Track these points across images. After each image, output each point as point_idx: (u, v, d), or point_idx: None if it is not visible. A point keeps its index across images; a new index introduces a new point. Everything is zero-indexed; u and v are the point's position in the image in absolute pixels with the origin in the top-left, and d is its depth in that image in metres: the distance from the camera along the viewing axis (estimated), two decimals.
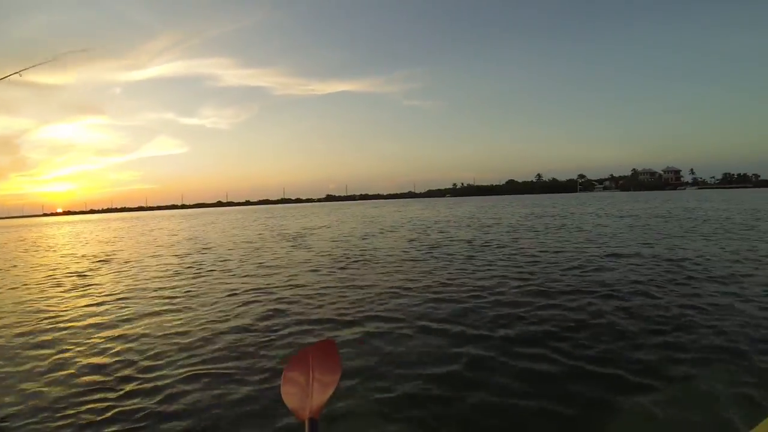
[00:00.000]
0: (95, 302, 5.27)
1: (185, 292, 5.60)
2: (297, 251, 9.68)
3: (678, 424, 2.11)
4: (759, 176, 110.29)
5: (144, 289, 5.92)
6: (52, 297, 5.74)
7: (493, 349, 3.11)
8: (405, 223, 17.88)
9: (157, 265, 8.54)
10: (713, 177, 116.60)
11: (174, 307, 4.80)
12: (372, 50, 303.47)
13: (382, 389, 2.56)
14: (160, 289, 5.91)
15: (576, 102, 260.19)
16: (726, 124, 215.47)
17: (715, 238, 8.75)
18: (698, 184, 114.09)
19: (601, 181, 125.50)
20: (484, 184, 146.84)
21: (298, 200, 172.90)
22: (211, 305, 4.79)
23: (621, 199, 43.13)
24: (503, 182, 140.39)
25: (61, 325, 4.27)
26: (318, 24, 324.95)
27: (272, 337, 3.57)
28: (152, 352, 3.33)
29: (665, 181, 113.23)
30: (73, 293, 5.96)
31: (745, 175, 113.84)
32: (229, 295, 5.27)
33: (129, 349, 3.44)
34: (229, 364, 3.03)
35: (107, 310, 4.85)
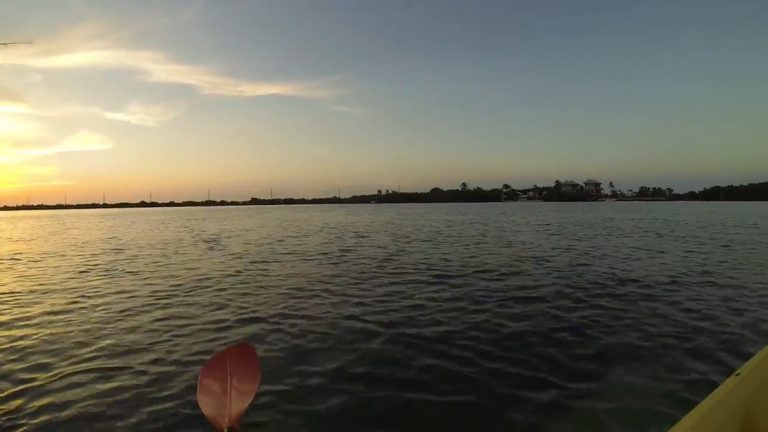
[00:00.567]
0: None
1: (85, 292, 5.68)
2: (210, 253, 9.87)
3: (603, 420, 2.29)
4: (672, 190, 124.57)
5: (43, 290, 5.92)
6: None
7: (398, 344, 3.45)
8: (323, 227, 18.79)
9: (61, 265, 8.33)
10: (631, 190, 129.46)
11: (70, 308, 4.89)
12: (304, 54, 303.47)
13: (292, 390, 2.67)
14: (60, 290, 5.95)
15: (501, 113, 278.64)
16: (644, 141, 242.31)
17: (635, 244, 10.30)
18: (617, 196, 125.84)
19: (525, 191, 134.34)
20: (410, 191, 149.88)
21: (223, 203, 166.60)
22: (108, 306, 4.96)
23: (546, 208, 46.86)
24: (428, 190, 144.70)
25: None
26: (252, 25, 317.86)
27: (164, 338, 3.67)
28: (40, 353, 3.36)
29: (586, 192, 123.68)
30: None
31: (659, 189, 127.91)
32: (130, 297, 5.38)
33: (14, 349, 3.46)
34: (117, 361, 3.15)
35: None
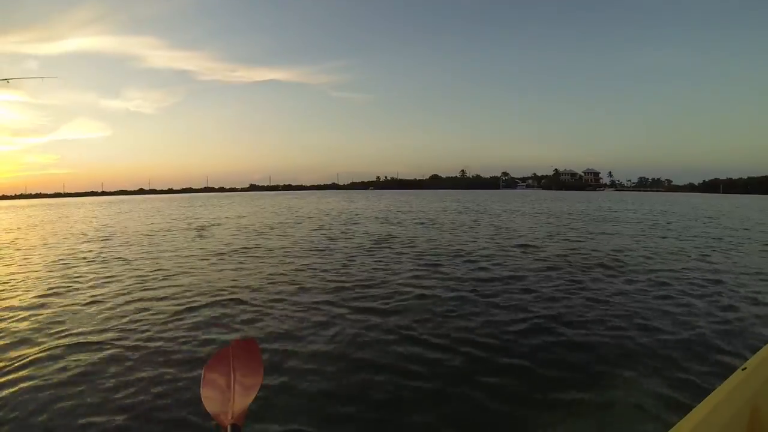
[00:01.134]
0: None
1: (70, 280, 5.84)
2: (200, 242, 10.01)
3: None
4: (671, 181, 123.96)
5: (27, 278, 6.09)
6: None
7: (382, 332, 3.52)
8: (318, 213, 19.08)
9: (50, 253, 8.49)
10: (629, 180, 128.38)
11: (53, 293, 5.09)
12: (303, 40, 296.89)
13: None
14: (45, 277, 6.11)
15: (502, 101, 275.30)
16: (644, 132, 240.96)
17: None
18: (615, 186, 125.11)
19: (524, 179, 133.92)
20: (409, 178, 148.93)
21: (222, 189, 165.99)
22: (91, 292, 5.13)
23: (542, 196, 46.94)
24: (427, 177, 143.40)
25: None
26: (250, 9, 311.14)
27: (144, 326, 3.74)
28: (22, 339, 3.48)
29: (585, 181, 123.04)
30: None
31: (658, 179, 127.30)
32: (110, 282, 5.59)
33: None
34: (96, 339, 3.38)
35: None
